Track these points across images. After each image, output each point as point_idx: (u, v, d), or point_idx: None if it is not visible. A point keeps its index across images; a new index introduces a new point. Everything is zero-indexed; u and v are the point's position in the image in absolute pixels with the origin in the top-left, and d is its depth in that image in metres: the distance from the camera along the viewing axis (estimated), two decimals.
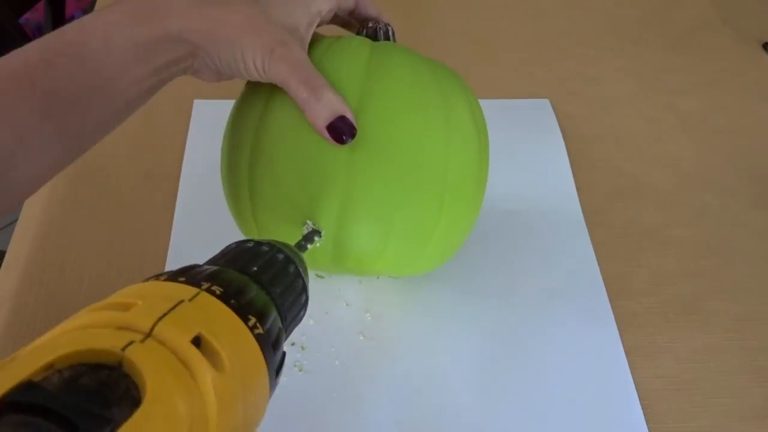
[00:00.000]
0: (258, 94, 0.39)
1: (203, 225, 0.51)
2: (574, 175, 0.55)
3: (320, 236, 0.36)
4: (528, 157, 0.57)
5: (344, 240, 0.38)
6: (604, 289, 0.48)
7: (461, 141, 0.39)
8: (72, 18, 1.66)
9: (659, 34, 0.71)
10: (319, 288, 0.47)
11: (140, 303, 0.20)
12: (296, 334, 0.45)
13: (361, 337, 0.45)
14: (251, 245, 0.28)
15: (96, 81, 0.32)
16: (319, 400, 0.42)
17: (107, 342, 0.18)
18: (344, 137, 0.35)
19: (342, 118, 0.34)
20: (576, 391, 0.43)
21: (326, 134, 0.35)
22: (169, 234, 0.50)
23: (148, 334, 0.19)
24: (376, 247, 0.38)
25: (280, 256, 0.28)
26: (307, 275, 0.29)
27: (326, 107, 0.34)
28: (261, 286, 0.25)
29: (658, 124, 0.61)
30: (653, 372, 0.44)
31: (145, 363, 0.18)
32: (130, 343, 0.18)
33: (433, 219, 0.38)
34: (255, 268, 0.26)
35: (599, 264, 0.49)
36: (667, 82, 0.65)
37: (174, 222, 0.51)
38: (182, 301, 0.21)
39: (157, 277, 0.23)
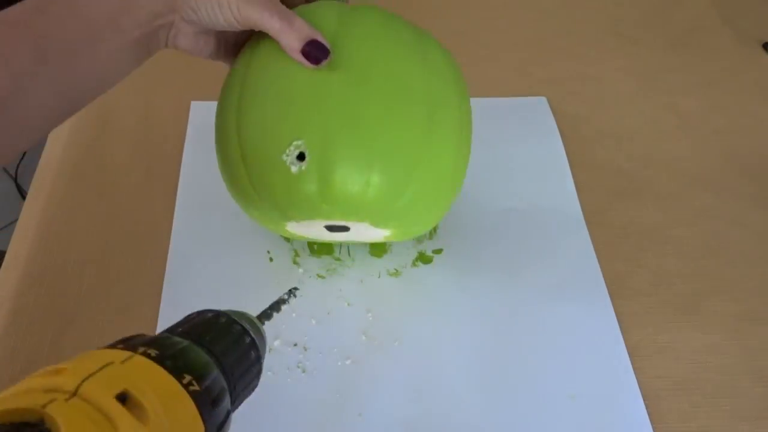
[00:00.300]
0: (241, 59, 0.41)
1: (203, 225, 0.51)
2: (574, 175, 0.55)
3: (288, 300, 0.37)
4: (526, 154, 0.57)
5: (330, 161, 0.37)
6: (604, 285, 0.48)
7: (439, 74, 0.40)
8: None
9: (659, 34, 0.71)
10: (320, 288, 0.47)
11: (69, 367, 0.21)
12: (298, 335, 0.45)
13: (363, 337, 0.45)
14: (210, 315, 0.29)
15: (85, 28, 0.34)
16: (321, 400, 0.42)
17: (29, 401, 0.19)
18: (319, 59, 0.37)
19: (314, 42, 0.37)
20: (578, 387, 0.43)
21: (302, 59, 0.37)
22: (170, 234, 0.50)
23: (73, 394, 0.20)
24: (362, 170, 0.38)
25: (237, 327, 0.29)
26: (264, 348, 0.31)
27: (298, 32, 0.37)
28: (206, 350, 0.26)
29: (658, 124, 0.61)
30: (653, 372, 0.44)
31: (65, 418, 0.18)
32: (52, 400, 0.19)
33: (416, 143, 0.38)
34: (207, 337, 0.27)
35: (599, 263, 0.49)
36: (667, 82, 0.65)
37: (174, 222, 0.51)
38: (112, 363, 0.22)
39: (101, 347, 0.25)
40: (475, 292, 0.48)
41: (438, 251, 0.50)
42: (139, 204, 0.52)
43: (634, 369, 0.44)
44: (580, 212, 0.53)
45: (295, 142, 0.37)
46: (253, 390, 0.30)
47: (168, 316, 0.45)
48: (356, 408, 0.41)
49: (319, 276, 0.48)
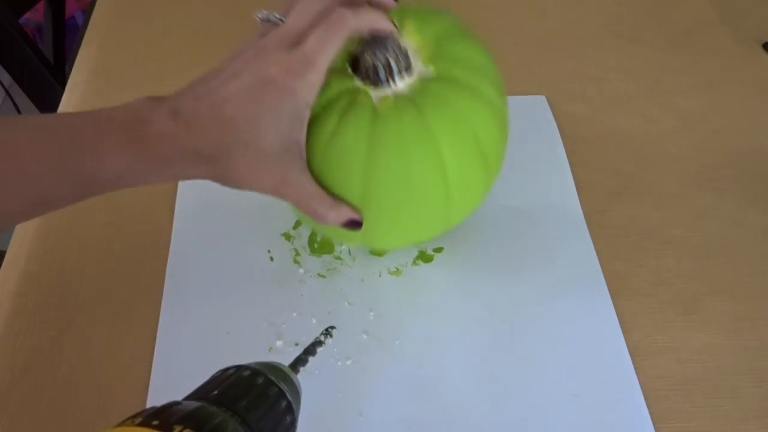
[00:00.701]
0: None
1: (204, 224, 0.51)
2: (574, 175, 0.55)
3: (324, 341, 0.37)
4: (526, 152, 0.57)
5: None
6: (605, 284, 0.48)
7: (460, 171, 0.40)
8: (72, 18, 1.61)
9: (659, 34, 0.71)
10: (321, 287, 0.47)
11: None
12: (299, 335, 0.45)
13: (364, 336, 0.45)
14: (246, 375, 0.28)
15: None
16: (322, 401, 0.42)
17: None
18: (355, 228, 0.40)
19: (349, 223, 0.39)
20: (580, 386, 0.43)
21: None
22: (170, 234, 0.50)
23: None
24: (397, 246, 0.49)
25: (273, 390, 0.28)
26: (298, 405, 0.31)
27: (335, 222, 0.39)
28: (241, 419, 0.26)
29: (658, 124, 0.61)
30: (653, 372, 0.44)
31: None
32: None
33: (442, 218, 0.43)
34: (243, 403, 0.26)
35: (599, 263, 0.49)
36: (667, 82, 0.65)
37: (174, 221, 0.51)
38: None
39: (133, 418, 0.24)
40: (476, 291, 0.48)
41: (439, 250, 0.50)
42: (139, 203, 0.52)
43: (635, 369, 0.44)
44: (580, 210, 0.53)
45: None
46: None
47: (168, 317, 0.45)
48: (357, 408, 0.41)
49: (319, 275, 0.48)
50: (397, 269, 0.49)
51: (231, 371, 0.29)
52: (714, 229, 0.53)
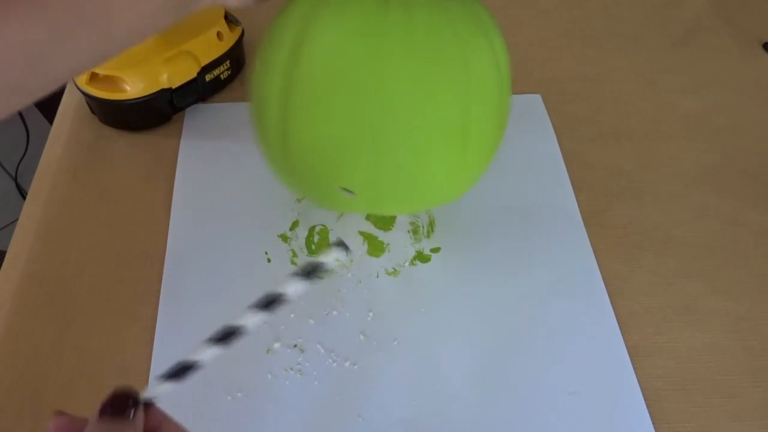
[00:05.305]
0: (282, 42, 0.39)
1: (199, 227, 0.51)
2: (574, 175, 0.55)
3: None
4: (522, 151, 0.57)
5: (378, 204, 0.44)
6: (602, 281, 0.48)
7: (481, 88, 0.39)
8: None
9: (659, 34, 0.71)
10: (318, 288, 0.47)
11: None
12: (297, 336, 0.45)
13: (362, 337, 0.45)
14: None
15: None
16: (321, 403, 0.42)
17: None
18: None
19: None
20: (578, 387, 0.43)
21: None
22: (167, 233, 0.50)
23: None
24: (407, 211, 0.48)
25: None
26: None
27: None
28: None
29: (658, 124, 0.61)
30: (653, 372, 0.44)
31: None
32: None
33: (454, 165, 0.41)
34: None
35: (598, 264, 0.49)
36: (667, 82, 0.65)
37: (170, 223, 0.51)
38: None
39: None
40: (473, 291, 0.48)
41: (436, 250, 0.50)
42: (139, 204, 0.52)
43: (634, 369, 0.44)
44: (577, 208, 0.53)
45: (341, 188, 0.39)
46: None
47: (166, 318, 0.45)
48: (356, 410, 0.41)
49: (317, 276, 0.48)
50: (395, 270, 0.49)
51: None
52: (714, 229, 0.53)
